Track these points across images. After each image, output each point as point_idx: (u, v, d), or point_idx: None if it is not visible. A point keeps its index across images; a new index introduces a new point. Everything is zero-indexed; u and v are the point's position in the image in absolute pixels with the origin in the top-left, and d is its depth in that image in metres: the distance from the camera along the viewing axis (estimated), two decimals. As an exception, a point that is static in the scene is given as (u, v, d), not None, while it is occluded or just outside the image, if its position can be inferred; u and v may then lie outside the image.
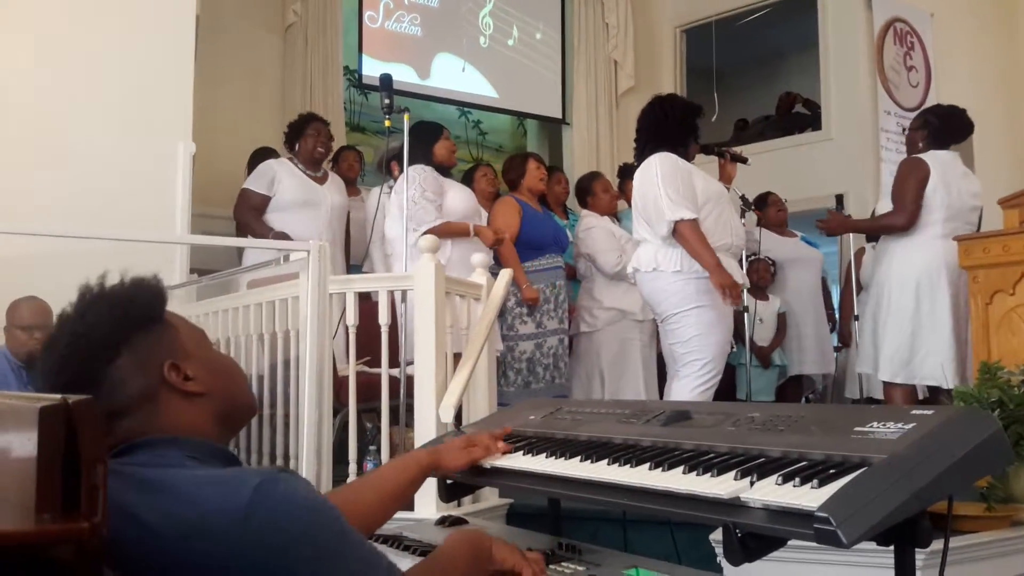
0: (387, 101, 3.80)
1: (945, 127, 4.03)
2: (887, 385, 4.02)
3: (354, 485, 1.84)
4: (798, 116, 8.11)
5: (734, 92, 9.09)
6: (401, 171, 4.01)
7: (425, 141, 4.14)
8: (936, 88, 7.30)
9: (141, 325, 1.25)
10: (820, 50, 7.30)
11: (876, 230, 4.23)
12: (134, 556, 1.08)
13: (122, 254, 3.43)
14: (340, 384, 3.35)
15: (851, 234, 5.61)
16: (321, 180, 4.70)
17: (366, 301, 3.67)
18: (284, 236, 4.29)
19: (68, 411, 0.83)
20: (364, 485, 1.64)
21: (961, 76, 7.46)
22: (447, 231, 4.06)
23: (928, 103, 6.80)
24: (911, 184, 3.93)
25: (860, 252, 5.95)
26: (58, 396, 0.85)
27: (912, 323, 3.87)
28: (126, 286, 1.27)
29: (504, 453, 1.66)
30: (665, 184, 3.54)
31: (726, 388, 3.97)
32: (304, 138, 4.67)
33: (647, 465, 1.37)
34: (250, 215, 4.51)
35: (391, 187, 4.64)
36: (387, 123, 3.86)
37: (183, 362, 1.25)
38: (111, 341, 1.21)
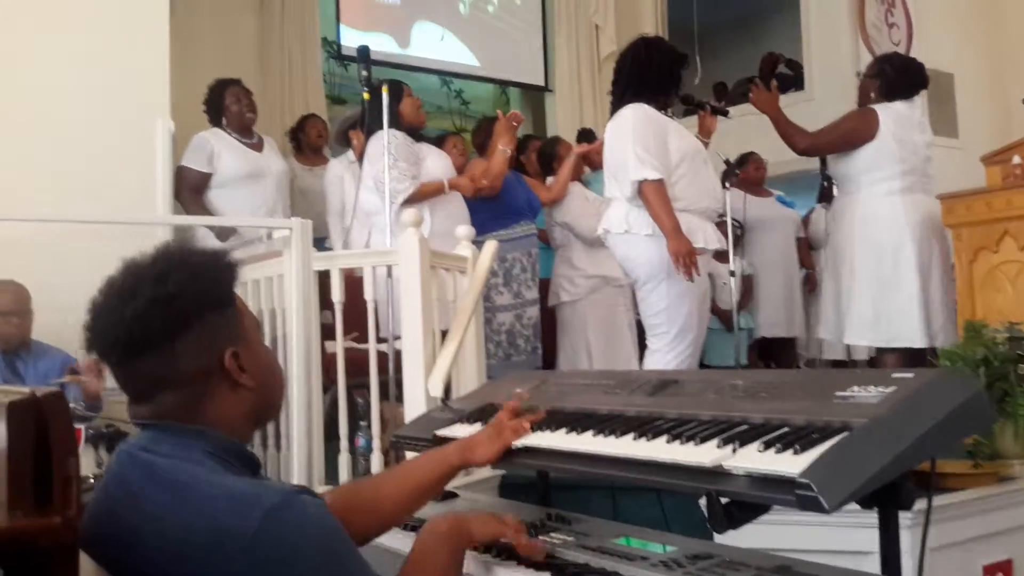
0: (364, 73, 3.75)
1: (900, 79, 3.87)
2: (879, 351, 3.96)
3: (380, 479, 1.76)
4: (781, 76, 8.07)
5: (716, 54, 9.03)
6: (366, 140, 3.95)
7: (388, 103, 3.82)
8: (918, 45, 7.26)
9: (218, 305, 1.23)
10: (801, 9, 7.27)
11: (781, 130, 3.95)
12: (133, 543, 1.08)
13: (102, 236, 3.43)
14: (329, 361, 3.34)
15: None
16: (258, 147, 4.50)
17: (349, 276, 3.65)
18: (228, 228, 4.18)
19: (38, 405, 0.82)
20: (390, 480, 1.56)
21: (943, 32, 7.43)
22: (423, 193, 3.93)
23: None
24: (843, 132, 3.82)
25: (810, 212, 5.94)
26: (27, 390, 0.84)
27: (877, 284, 3.73)
28: (208, 259, 1.26)
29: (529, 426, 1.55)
30: (635, 139, 3.35)
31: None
32: (227, 106, 4.45)
33: (631, 435, 1.37)
34: (188, 196, 4.30)
35: (351, 160, 4.58)
36: (365, 95, 3.81)
37: (243, 351, 1.23)
38: (187, 313, 1.19)
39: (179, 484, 1.11)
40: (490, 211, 4.39)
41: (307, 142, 5.36)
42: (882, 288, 3.73)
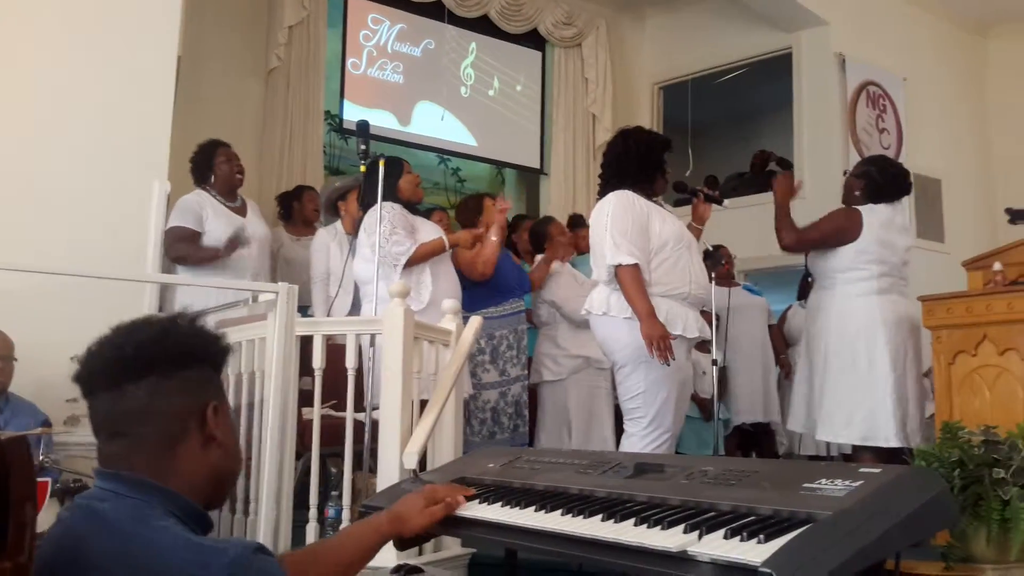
0: (363, 147, 3.82)
1: (885, 184, 3.93)
2: (855, 448, 3.96)
3: (314, 549, 1.80)
4: (771, 174, 8.22)
5: (709, 149, 9.24)
6: (361, 211, 4.01)
7: (388, 177, 3.93)
8: (907, 150, 7.44)
9: (214, 364, 1.33)
10: (794, 110, 7.43)
11: (778, 222, 3.95)
12: None
13: (90, 290, 3.43)
14: (304, 427, 3.32)
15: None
16: (241, 211, 4.48)
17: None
18: (235, 239, 4.24)
19: (1, 451, 0.82)
20: (324, 550, 1.61)
21: (932, 139, 7.62)
22: (422, 253, 4.00)
23: (899, 165, 6.90)
24: (829, 230, 3.87)
25: (788, 309, 6.01)
26: (-10, 432, 0.84)
27: (851, 382, 3.76)
28: (217, 332, 1.36)
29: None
30: (613, 225, 3.38)
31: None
32: (216, 166, 4.41)
33: (599, 516, 1.37)
34: (185, 248, 4.23)
35: (338, 230, 4.65)
36: (362, 168, 3.87)
37: (221, 413, 1.30)
38: (193, 354, 1.29)
39: (131, 533, 1.11)
40: (484, 287, 4.43)
41: (301, 214, 5.37)
42: (856, 386, 3.75)
